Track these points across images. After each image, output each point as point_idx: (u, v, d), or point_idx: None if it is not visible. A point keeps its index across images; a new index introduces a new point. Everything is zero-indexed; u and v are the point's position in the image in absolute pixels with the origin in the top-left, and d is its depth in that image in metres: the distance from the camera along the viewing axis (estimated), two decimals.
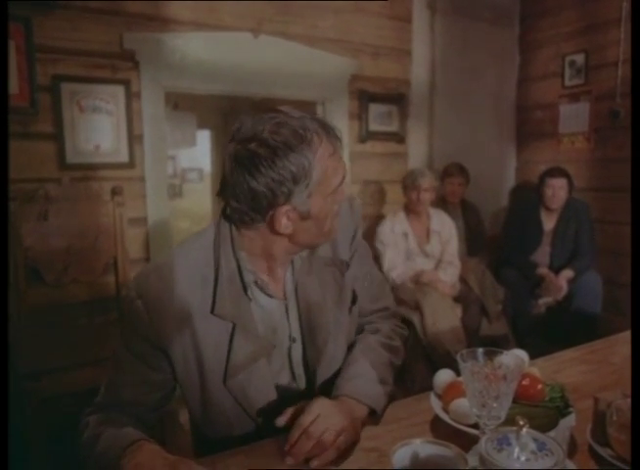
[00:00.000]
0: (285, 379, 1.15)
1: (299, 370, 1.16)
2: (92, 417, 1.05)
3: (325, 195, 1.02)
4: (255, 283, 1.09)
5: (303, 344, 1.15)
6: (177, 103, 5.35)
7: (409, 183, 3.18)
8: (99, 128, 2.65)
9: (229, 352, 1.04)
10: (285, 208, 0.99)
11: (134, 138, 2.74)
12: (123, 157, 2.72)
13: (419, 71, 3.71)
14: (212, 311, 1.03)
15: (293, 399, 1.10)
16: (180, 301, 1.03)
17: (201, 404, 1.09)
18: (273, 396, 1.09)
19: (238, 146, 0.97)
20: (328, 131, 1.01)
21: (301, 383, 1.17)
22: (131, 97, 2.71)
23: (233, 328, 1.04)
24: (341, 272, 1.19)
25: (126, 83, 2.69)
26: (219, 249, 1.06)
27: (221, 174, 1.04)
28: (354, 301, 1.22)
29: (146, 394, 1.08)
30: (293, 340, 1.14)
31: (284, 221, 1.00)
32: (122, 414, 1.06)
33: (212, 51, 2.90)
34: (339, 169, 1.03)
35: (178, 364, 1.05)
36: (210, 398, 1.07)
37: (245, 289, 1.07)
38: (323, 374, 1.16)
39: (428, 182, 3.16)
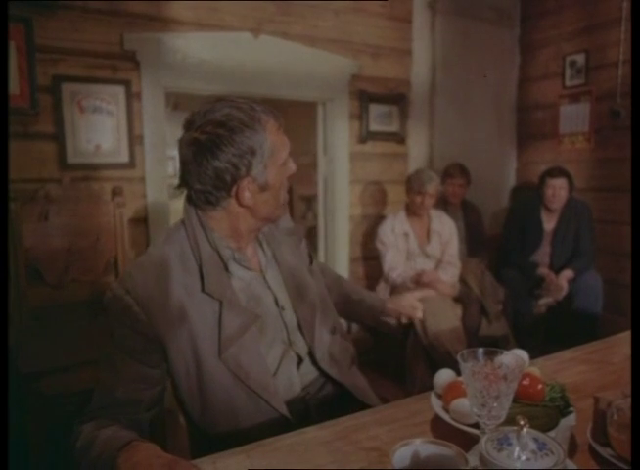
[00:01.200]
0: (279, 346, 1.22)
1: (295, 336, 1.25)
2: (85, 426, 1.05)
3: (277, 166, 1.15)
4: (234, 258, 1.18)
5: (295, 310, 1.26)
6: (178, 103, 5.35)
7: (415, 187, 3.16)
8: (99, 128, 2.65)
9: (220, 327, 1.11)
10: (246, 180, 1.11)
11: (135, 138, 2.75)
12: (124, 157, 2.73)
13: (419, 72, 3.71)
14: (203, 290, 1.11)
15: (289, 363, 1.22)
16: (167, 287, 1.09)
17: (198, 390, 1.12)
18: (264, 362, 1.15)
19: (195, 133, 1.09)
20: (272, 111, 1.15)
21: (297, 348, 1.25)
22: (132, 97, 2.71)
23: (220, 305, 1.11)
24: (299, 239, 1.37)
25: (127, 83, 2.69)
26: (192, 234, 1.14)
27: (179, 165, 1.15)
28: (311, 261, 1.39)
29: (140, 391, 1.10)
30: (282, 308, 1.24)
31: (246, 194, 1.12)
32: (117, 417, 1.06)
33: (213, 51, 2.90)
34: (285, 143, 1.17)
35: (173, 351, 1.09)
36: (207, 377, 1.11)
37: (225, 266, 1.16)
38: (319, 331, 1.27)
39: (434, 187, 3.15)
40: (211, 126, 1.08)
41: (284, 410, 1.15)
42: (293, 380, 1.23)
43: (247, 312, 1.15)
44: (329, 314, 1.35)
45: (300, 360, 1.25)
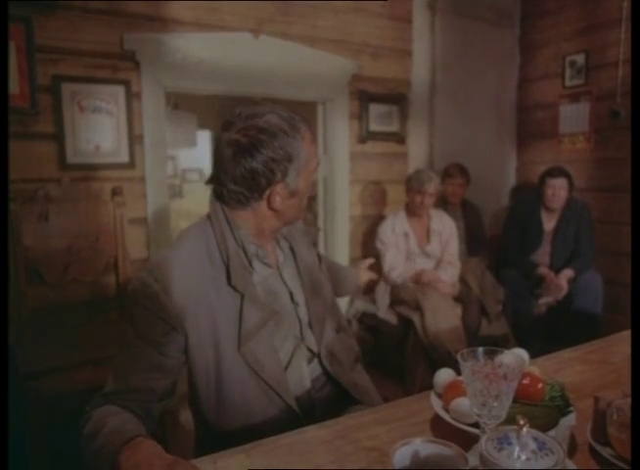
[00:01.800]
0: (292, 341, 1.26)
1: (306, 332, 1.30)
2: (95, 411, 1.06)
3: (307, 175, 1.21)
4: (257, 255, 1.23)
5: (308, 306, 1.31)
6: (177, 103, 5.35)
7: (415, 186, 3.16)
8: (99, 128, 2.65)
9: (240, 321, 1.15)
10: (280, 185, 1.16)
11: (134, 138, 2.74)
12: (124, 157, 2.72)
13: (419, 72, 3.71)
14: (230, 283, 1.15)
15: (300, 358, 1.25)
16: (194, 278, 1.13)
17: (215, 382, 1.15)
18: (277, 356, 1.19)
19: (236, 135, 1.13)
20: (307, 122, 1.20)
21: (308, 342, 1.29)
22: (132, 97, 2.71)
23: (242, 299, 1.15)
24: (311, 239, 1.45)
25: (127, 84, 2.69)
26: (220, 229, 1.18)
27: (214, 163, 1.19)
28: (320, 261, 1.46)
29: (155, 380, 1.11)
30: (296, 304, 1.29)
31: (277, 198, 1.17)
32: (129, 404, 1.08)
33: (213, 51, 2.90)
34: (315, 154, 1.25)
35: (194, 342, 1.13)
36: (226, 370, 1.14)
37: (249, 262, 1.20)
38: (329, 326, 1.33)
39: (434, 187, 3.16)
40: (254, 131, 1.12)
41: (294, 404, 1.19)
42: (303, 374, 1.26)
43: (266, 307, 1.19)
44: (335, 313, 1.40)
45: (312, 356, 1.29)
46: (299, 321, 1.29)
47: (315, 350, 1.30)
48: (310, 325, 1.31)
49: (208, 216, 1.22)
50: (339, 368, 1.31)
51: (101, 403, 1.08)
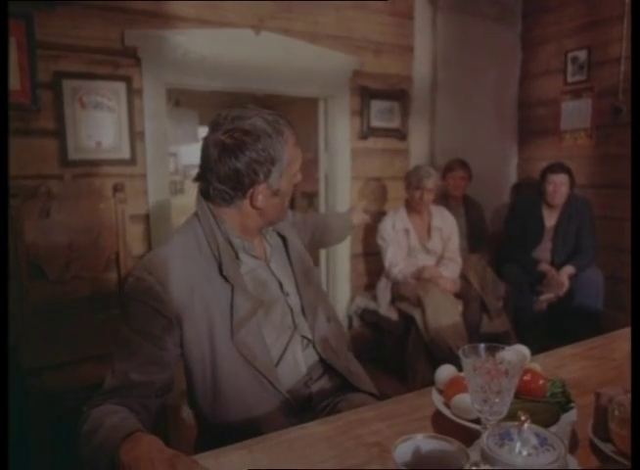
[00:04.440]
0: (287, 331, 1.30)
1: (299, 319, 1.34)
2: (94, 410, 1.06)
3: (289, 176, 1.26)
4: (243, 247, 1.27)
5: (300, 293, 1.35)
6: (179, 99, 5.35)
7: (414, 182, 3.16)
8: (100, 125, 2.65)
9: (232, 310, 1.18)
10: (263, 185, 1.21)
11: (136, 135, 2.74)
12: (125, 153, 2.73)
13: (421, 68, 3.71)
14: (222, 273, 1.19)
15: (295, 345, 1.29)
16: (186, 270, 1.17)
17: (211, 373, 1.18)
18: (266, 345, 1.23)
19: (222, 136, 1.17)
20: (291, 125, 1.25)
21: (302, 330, 1.33)
22: (133, 94, 2.71)
23: (232, 290, 1.19)
24: (298, 229, 1.52)
25: (128, 80, 2.69)
26: (208, 224, 1.23)
27: (201, 162, 1.24)
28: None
29: (154, 374, 1.13)
30: (286, 294, 1.33)
31: (260, 197, 1.22)
32: (128, 400, 1.08)
33: (214, 47, 2.90)
34: (299, 156, 1.28)
35: (189, 333, 1.16)
36: (220, 359, 1.17)
37: (236, 254, 1.25)
38: (320, 315, 1.36)
39: (432, 182, 3.16)
40: (239, 133, 1.16)
41: (285, 393, 1.22)
42: (298, 361, 1.29)
43: (254, 297, 1.23)
44: (326, 303, 1.44)
45: (307, 343, 1.33)
46: (291, 310, 1.32)
47: (309, 336, 1.33)
48: (303, 313, 1.34)
49: (196, 214, 1.26)
50: (333, 355, 1.35)
51: (100, 403, 1.08)
